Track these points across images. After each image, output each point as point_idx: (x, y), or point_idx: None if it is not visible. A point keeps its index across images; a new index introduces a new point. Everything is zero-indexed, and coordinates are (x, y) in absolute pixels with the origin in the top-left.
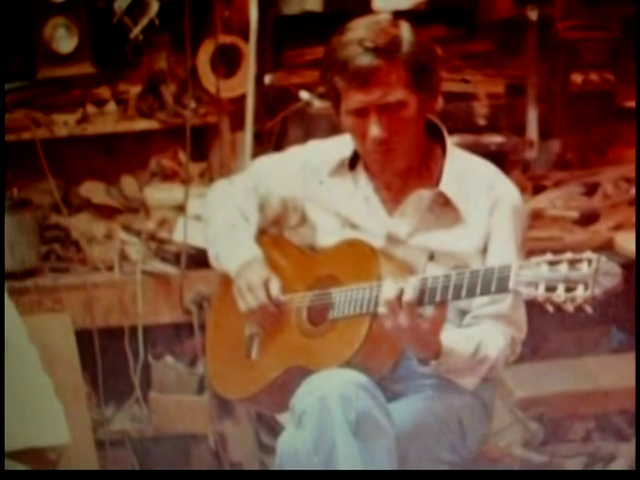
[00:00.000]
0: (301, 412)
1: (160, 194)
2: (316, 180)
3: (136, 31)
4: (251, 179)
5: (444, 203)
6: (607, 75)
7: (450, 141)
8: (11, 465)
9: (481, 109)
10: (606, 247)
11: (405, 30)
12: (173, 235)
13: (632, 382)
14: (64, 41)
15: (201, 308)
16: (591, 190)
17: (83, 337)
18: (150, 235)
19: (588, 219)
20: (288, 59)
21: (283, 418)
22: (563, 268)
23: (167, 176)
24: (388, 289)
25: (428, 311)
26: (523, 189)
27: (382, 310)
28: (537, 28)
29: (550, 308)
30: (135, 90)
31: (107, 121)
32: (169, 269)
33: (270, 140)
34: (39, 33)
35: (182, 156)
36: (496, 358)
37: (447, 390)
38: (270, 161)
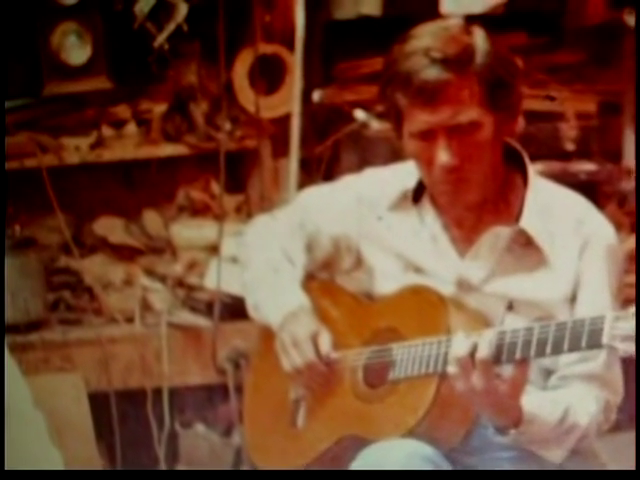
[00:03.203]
0: None
1: (189, 232)
2: (374, 216)
3: (161, 39)
4: (297, 214)
5: (525, 242)
6: None
7: (532, 169)
8: None
9: (569, 131)
10: None
11: (479, 38)
12: (204, 280)
13: None
14: (75, 51)
15: (237, 367)
16: None
17: (98, 401)
18: (177, 280)
19: None
20: (341, 72)
21: None
22: None
23: (197, 211)
24: (459, 345)
25: (507, 371)
26: (619, 226)
27: (452, 370)
28: (635, 35)
29: None
30: (159, 109)
31: (126, 146)
32: (200, 321)
33: (319, 168)
34: (46, 41)
35: (215, 187)
36: (587, 426)
37: (529, 464)
38: (319, 193)
